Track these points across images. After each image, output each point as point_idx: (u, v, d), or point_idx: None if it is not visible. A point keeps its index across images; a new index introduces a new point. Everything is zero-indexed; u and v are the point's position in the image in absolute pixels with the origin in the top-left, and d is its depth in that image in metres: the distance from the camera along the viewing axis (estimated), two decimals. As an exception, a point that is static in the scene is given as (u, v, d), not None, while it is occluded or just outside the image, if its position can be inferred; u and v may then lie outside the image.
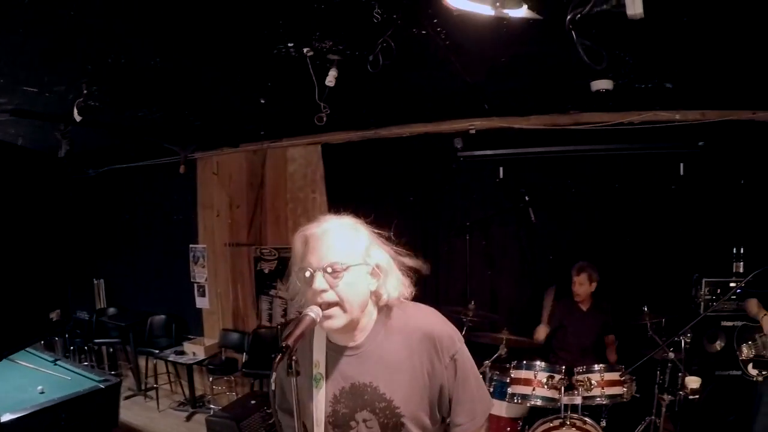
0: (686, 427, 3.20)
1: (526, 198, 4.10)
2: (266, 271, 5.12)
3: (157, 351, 5.36)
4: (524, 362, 3.35)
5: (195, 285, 5.53)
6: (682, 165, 4.12)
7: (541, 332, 3.86)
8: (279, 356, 1.10)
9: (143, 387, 5.64)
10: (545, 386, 3.22)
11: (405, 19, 2.28)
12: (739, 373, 3.58)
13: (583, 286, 3.76)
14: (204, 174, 5.39)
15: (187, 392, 5.30)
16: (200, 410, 5.13)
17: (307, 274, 1.23)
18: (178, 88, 3.24)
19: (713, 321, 3.79)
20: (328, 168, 4.79)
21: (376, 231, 1.34)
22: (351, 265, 1.23)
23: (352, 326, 1.29)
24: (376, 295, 1.31)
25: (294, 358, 1.12)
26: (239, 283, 5.26)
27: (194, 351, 5.20)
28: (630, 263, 4.12)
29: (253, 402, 4.06)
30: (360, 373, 1.31)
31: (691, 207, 4.13)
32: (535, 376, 3.25)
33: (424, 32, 2.46)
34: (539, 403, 3.23)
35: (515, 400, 3.30)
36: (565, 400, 3.16)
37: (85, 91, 3.05)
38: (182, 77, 3.03)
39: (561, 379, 3.23)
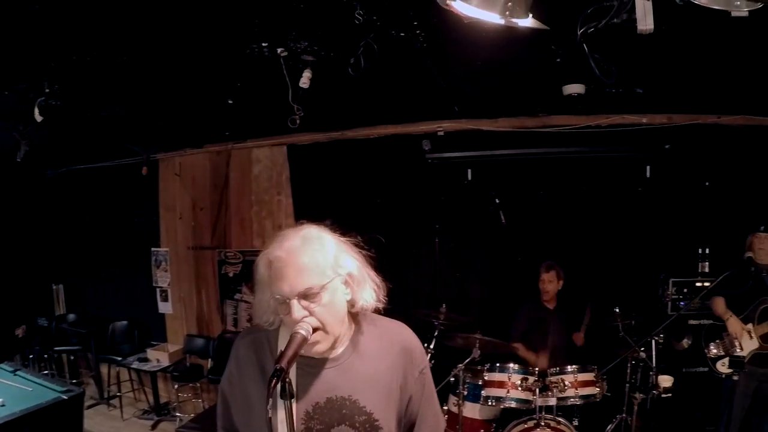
0: (656, 423, 3.23)
1: (497, 200, 4.09)
2: (231, 274, 5.01)
3: (119, 358, 5.21)
4: (498, 365, 3.36)
5: (157, 289, 5.38)
6: (648, 167, 4.18)
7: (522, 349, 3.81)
8: (274, 381, 1.04)
9: (106, 395, 5.47)
10: (519, 388, 3.25)
11: (385, 21, 2.24)
12: (706, 369, 3.64)
13: (551, 283, 3.78)
14: (166, 175, 5.23)
15: (151, 400, 5.16)
16: (166, 418, 5.02)
17: (282, 303, 1.19)
18: (144, 87, 3.13)
19: (680, 320, 3.86)
20: (294, 170, 4.71)
21: (343, 237, 1.29)
22: (325, 284, 1.19)
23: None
24: (350, 304, 1.27)
25: (288, 379, 1.08)
26: (203, 288, 5.14)
27: (158, 358, 5.05)
28: (598, 265, 4.15)
29: None
30: (337, 386, 1.26)
31: (658, 209, 4.19)
32: (509, 379, 3.27)
33: (402, 34, 2.42)
34: (514, 405, 3.24)
35: (489, 403, 3.31)
36: (539, 401, 3.17)
37: (47, 90, 2.92)
38: (150, 76, 2.92)
39: (535, 380, 3.25)
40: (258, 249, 4.85)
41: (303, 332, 1.13)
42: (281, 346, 1.26)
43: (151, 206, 5.31)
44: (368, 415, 1.27)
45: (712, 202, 4.17)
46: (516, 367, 3.31)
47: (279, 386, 1.06)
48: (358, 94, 3.53)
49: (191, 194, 5.08)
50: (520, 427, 3.17)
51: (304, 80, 2.65)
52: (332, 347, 1.26)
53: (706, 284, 3.71)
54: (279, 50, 2.50)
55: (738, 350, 3.18)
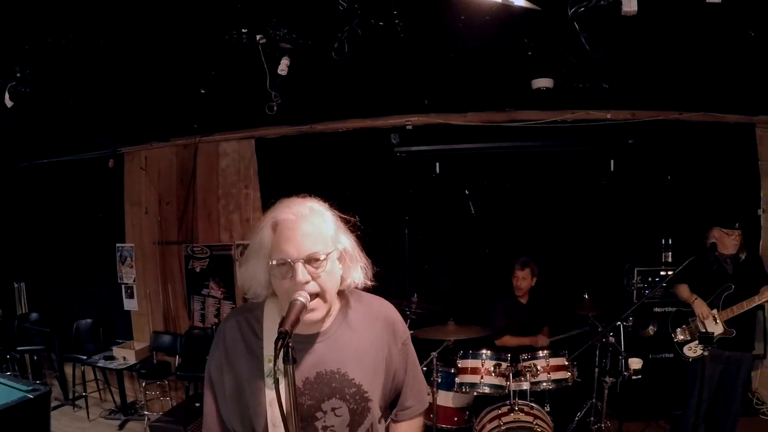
0: (623, 408, 3.30)
1: (466, 192, 4.12)
2: (198, 269, 4.93)
3: (84, 357, 5.06)
4: (470, 352, 3.37)
5: (123, 286, 5.26)
6: (612, 161, 4.28)
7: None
8: (280, 342, 1.04)
9: (71, 396, 5.31)
10: (493, 374, 3.27)
11: (366, 9, 2.23)
12: (672, 355, 3.78)
13: (525, 280, 3.82)
14: (132, 169, 5.12)
15: (117, 399, 5.04)
16: (133, 418, 4.90)
17: (287, 266, 1.17)
18: (117, 74, 3.04)
19: (646, 307, 3.97)
20: (262, 163, 4.67)
21: (340, 216, 1.30)
22: (329, 252, 1.20)
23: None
24: (341, 280, 1.28)
25: (291, 345, 1.07)
26: (170, 283, 5.04)
27: (124, 355, 4.93)
28: (564, 255, 4.24)
29: (197, 405, 3.90)
30: (326, 360, 1.26)
31: (622, 201, 4.31)
32: (483, 365, 3.29)
33: (381, 23, 2.42)
34: (487, 390, 3.26)
35: (463, 389, 3.32)
36: (513, 386, 3.20)
37: (18, 74, 2.83)
38: (124, 62, 2.84)
39: (508, 366, 3.27)
40: (226, 243, 4.86)
41: (302, 299, 1.13)
42: (267, 326, 1.27)
43: (116, 201, 5.18)
44: (357, 387, 1.28)
45: (674, 195, 4.30)
46: (489, 353, 3.32)
47: (282, 351, 1.05)
48: (329, 87, 3.52)
49: (157, 188, 4.98)
50: (494, 413, 3.18)
51: (283, 67, 2.64)
52: (322, 320, 1.26)
53: (670, 273, 3.81)
54: (258, 37, 2.49)
55: (709, 322, 3.27)
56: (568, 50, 2.90)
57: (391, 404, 1.49)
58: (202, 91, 3.43)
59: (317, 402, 1.25)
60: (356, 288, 1.32)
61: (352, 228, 1.30)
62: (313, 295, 1.16)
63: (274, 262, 1.18)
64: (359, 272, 1.30)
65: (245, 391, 1.25)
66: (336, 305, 1.30)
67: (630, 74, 3.40)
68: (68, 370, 5.31)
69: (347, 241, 1.27)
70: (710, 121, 4.33)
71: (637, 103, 4.20)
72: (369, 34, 2.42)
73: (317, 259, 1.18)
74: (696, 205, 4.19)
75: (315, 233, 1.20)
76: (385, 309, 1.41)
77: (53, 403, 4.98)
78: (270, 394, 1.21)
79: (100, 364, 4.94)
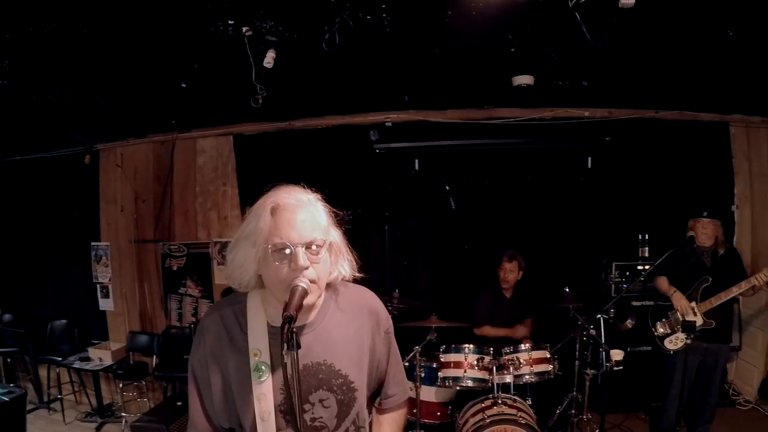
0: (603, 401, 3.32)
1: (447, 187, 4.13)
2: (175, 268, 4.87)
3: (59, 358, 4.94)
4: (453, 346, 3.37)
5: (98, 285, 5.16)
6: (590, 159, 4.33)
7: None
8: (286, 327, 1.04)
9: (46, 399, 5.19)
10: (476, 368, 3.28)
11: (355, 2, 2.23)
12: (650, 348, 3.86)
13: (512, 273, 3.82)
14: (107, 166, 5.02)
15: (93, 402, 4.94)
16: (110, 420, 4.81)
17: (287, 250, 1.15)
18: (98, 66, 2.98)
19: (624, 301, 4.02)
20: (240, 160, 4.63)
21: (330, 209, 1.29)
22: (326, 240, 1.20)
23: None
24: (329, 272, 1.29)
25: (294, 330, 1.06)
26: (146, 282, 4.96)
27: (100, 356, 4.84)
28: (543, 251, 4.27)
29: (179, 403, 3.86)
30: (313, 352, 1.25)
31: (599, 197, 4.37)
32: (466, 359, 3.29)
33: (369, 17, 2.41)
34: (471, 384, 3.26)
35: (447, 384, 3.32)
36: (496, 379, 3.21)
37: None
38: (106, 54, 2.78)
39: (491, 359, 3.29)
40: (204, 241, 4.79)
41: (303, 285, 1.12)
42: (251, 320, 1.26)
43: (91, 199, 5.08)
44: (344, 378, 1.28)
45: (650, 192, 4.37)
46: (472, 347, 3.33)
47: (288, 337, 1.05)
48: (311, 83, 3.50)
49: (133, 186, 4.89)
50: (477, 406, 3.18)
51: (269, 60, 2.62)
52: (308, 312, 1.25)
53: (647, 267, 3.86)
54: (244, 29, 2.46)
55: (688, 314, 3.32)
56: (550, 47, 2.94)
57: (374, 394, 1.49)
58: (183, 86, 3.38)
59: (305, 394, 1.24)
60: (342, 280, 1.32)
61: (339, 222, 1.29)
62: (311, 282, 1.15)
63: (273, 247, 1.15)
64: (346, 265, 1.29)
65: (231, 386, 1.23)
66: (322, 296, 1.30)
67: (609, 72, 3.45)
68: (43, 372, 5.18)
69: (335, 234, 1.26)
70: (685, 119, 4.41)
71: (614, 102, 4.26)
72: (356, 28, 2.41)
73: (316, 246, 1.17)
74: (671, 201, 4.26)
75: (313, 221, 1.19)
76: (368, 299, 1.41)
77: (28, 407, 4.86)
78: (258, 389, 1.20)
79: (75, 366, 4.83)
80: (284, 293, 1.13)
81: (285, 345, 1.04)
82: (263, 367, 1.21)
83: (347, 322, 1.32)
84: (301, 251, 1.14)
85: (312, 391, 1.25)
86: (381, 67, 3.19)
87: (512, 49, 2.94)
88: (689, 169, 4.36)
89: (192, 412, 1.31)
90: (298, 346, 1.07)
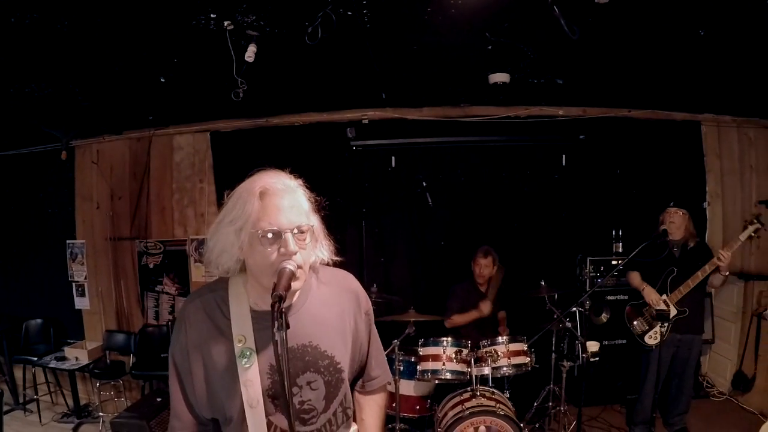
0: (583, 390, 3.34)
1: (423, 183, 4.15)
2: (151, 265, 4.83)
3: (35, 358, 4.86)
4: (431, 339, 3.40)
5: (73, 284, 5.09)
6: (564, 156, 4.39)
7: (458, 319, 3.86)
8: (277, 306, 1.03)
9: (21, 400, 5.11)
10: (454, 360, 3.30)
11: None
12: (624, 342, 3.97)
13: (487, 268, 3.86)
14: (83, 163, 4.96)
15: (70, 403, 4.87)
16: (87, 420, 4.74)
17: (277, 236, 1.14)
18: (77, 59, 2.94)
19: (598, 296, 4.08)
20: (217, 157, 4.61)
21: (309, 195, 1.29)
22: (311, 226, 1.20)
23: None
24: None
25: (284, 310, 1.06)
26: (122, 280, 4.90)
27: (77, 356, 4.77)
28: (519, 247, 4.32)
29: (159, 399, 3.84)
30: (297, 334, 1.23)
31: (573, 194, 4.43)
32: (444, 352, 3.32)
33: (349, 13, 2.43)
34: (449, 377, 3.29)
35: (426, 376, 3.34)
36: (474, 371, 3.24)
37: None
38: (86, 46, 2.74)
39: (469, 352, 3.31)
40: (180, 238, 4.76)
41: (291, 267, 1.11)
42: (233, 305, 1.24)
43: (66, 196, 5.01)
44: (330, 359, 1.28)
45: (624, 189, 4.44)
46: (450, 339, 3.36)
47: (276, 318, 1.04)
48: (289, 79, 3.50)
49: (109, 183, 4.84)
50: (456, 399, 3.20)
51: (250, 54, 2.62)
52: (291, 295, 1.22)
53: (621, 262, 3.91)
54: (226, 23, 2.46)
55: (660, 306, 3.38)
56: (526, 45, 2.98)
57: (355, 378, 1.49)
58: (162, 80, 3.36)
59: (292, 377, 1.22)
60: (321, 264, 1.32)
61: (317, 208, 1.29)
62: (298, 267, 1.14)
63: (262, 232, 1.13)
64: (324, 249, 1.29)
65: (215, 375, 1.21)
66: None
67: (583, 71, 3.51)
68: (18, 373, 5.09)
69: (316, 220, 1.26)
70: (658, 118, 4.49)
71: (588, 100, 4.33)
72: (338, 23, 2.42)
73: (302, 232, 1.17)
74: (643, 198, 4.33)
75: (299, 206, 1.19)
76: (348, 281, 1.42)
77: (3, 408, 4.79)
78: (244, 375, 1.19)
79: (52, 365, 4.75)
80: (270, 278, 1.12)
81: (275, 324, 1.03)
82: (248, 353, 1.20)
83: (329, 304, 1.33)
84: (290, 236, 1.14)
85: (299, 374, 1.23)
86: (360, 64, 3.20)
87: (489, 47, 2.98)
88: (662, 166, 4.45)
89: (174, 403, 1.28)
90: (287, 326, 1.05)
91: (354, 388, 1.51)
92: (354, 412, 1.45)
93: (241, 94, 2.98)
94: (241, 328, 1.21)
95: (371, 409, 1.53)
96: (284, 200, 1.16)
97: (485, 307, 3.76)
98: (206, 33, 2.58)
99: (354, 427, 1.43)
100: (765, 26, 2.56)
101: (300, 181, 1.26)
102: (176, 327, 1.28)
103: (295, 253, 1.13)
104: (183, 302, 1.35)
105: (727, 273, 3.30)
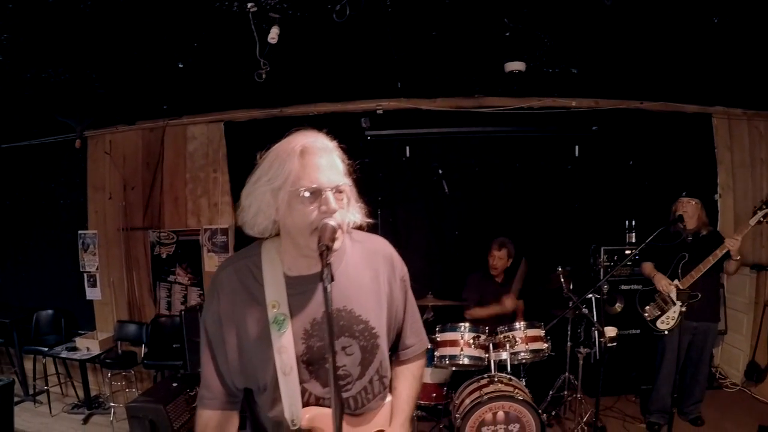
0: (601, 376, 3.28)
1: (440, 171, 4.15)
2: (164, 256, 4.83)
3: (45, 349, 4.85)
4: (449, 325, 3.37)
5: (85, 274, 5.08)
6: (577, 147, 4.40)
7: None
8: (326, 253, 1.03)
9: (31, 392, 5.10)
10: (472, 346, 3.28)
11: None
12: (639, 331, 3.96)
13: (502, 260, 3.85)
14: (95, 154, 4.96)
15: (80, 394, 4.86)
16: (98, 411, 4.73)
17: (317, 194, 1.12)
18: (97, 42, 2.93)
19: (612, 285, 4.08)
20: (231, 147, 4.61)
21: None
22: (349, 185, 1.19)
23: None
24: None
25: (329, 262, 1.04)
26: (134, 270, 4.90)
27: (88, 346, 4.76)
28: (532, 237, 4.30)
29: (174, 384, 3.79)
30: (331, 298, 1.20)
31: (586, 185, 4.43)
32: (462, 337, 3.29)
33: None
34: (467, 362, 3.26)
35: (443, 363, 3.31)
36: (492, 357, 3.23)
37: None
38: (107, 28, 2.74)
39: (486, 337, 3.30)
40: (194, 228, 4.76)
41: (333, 223, 1.10)
42: (266, 271, 1.22)
43: (79, 187, 5.01)
44: (365, 323, 1.26)
45: (636, 180, 4.45)
46: (468, 325, 3.33)
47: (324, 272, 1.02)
48: (306, 67, 3.49)
49: (122, 173, 4.84)
50: (474, 385, 3.19)
51: (273, 35, 2.63)
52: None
53: (634, 252, 3.91)
54: (249, 5, 2.47)
55: (671, 292, 3.39)
56: (544, 32, 2.98)
57: (392, 347, 1.44)
58: (180, 66, 3.34)
59: (326, 342, 1.18)
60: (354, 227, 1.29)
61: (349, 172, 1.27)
62: (338, 225, 1.13)
63: (303, 190, 1.11)
64: (356, 213, 1.26)
65: (248, 343, 1.20)
66: None
67: (598, 60, 3.51)
68: (28, 364, 5.08)
69: (349, 181, 1.23)
70: (669, 110, 4.51)
71: (600, 92, 4.34)
72: (358, 7, 2.43)
73: (341, 191, 1.16)
74: (655, 189, 4.34)
75: (336, 166, 1.18)
76: (383, 245, 1.39)
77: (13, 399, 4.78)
78: (278, 342, 1.17)
79: (63, 355, 4.74)
80: (308, 238, 1.12)
81: (324, 272, 1.02)
82: (282, 318, 1.18)
83: (363, 268, 1.30)
84: (330, 195, 1.13)
85: (335, 339, 1.18)
86: (378, 51, 3.21)
87: (507, 33, 2.98)
88: (673, 158, 4.46)
89: (205, 373, 1.26)
90: (332, 279, 1.03)
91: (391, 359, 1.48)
92: (390, 382, 1.42)
93: (263, 75, 2.97)
94: (275, 293, 1.20)
95: (405, 378, 1.48)
96: (323, 159, 1.15)
97: (509, 303, 3.75)
98: (229, 15, 2.58)
99: (390, 397, 1.40)
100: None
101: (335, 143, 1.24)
102: (209, 294, 1.27)
103: (336, 212, 1.12)
104: (216, 269, 1.32)
105: (739, 257, 3.30)
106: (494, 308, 3.76)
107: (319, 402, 1.22)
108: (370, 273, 1.31)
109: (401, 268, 1.40)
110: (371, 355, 1.27)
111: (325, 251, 1.04)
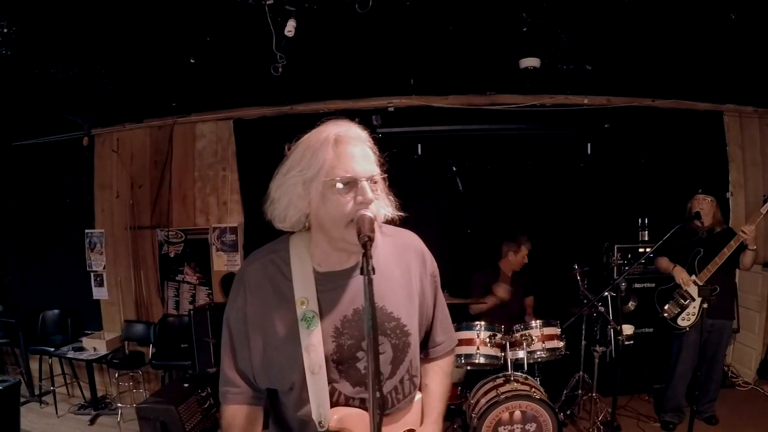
0: (618, 373, 3.27)
1: (454, 168, 4.12)
2: (172, 254, 4.78)
3: (52, 349, 4.81)
4: (464, 323, 3.35)
5: (92, 274, 5.04)
6: (589, 145, 4.39)
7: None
8: (369, 245, 0.99)
9: (37, 392, 5.06)
10: (488, 344, 3.25)
11: None
12: (652, 330, 3.95)
13: (525, 257, 3.83)
14: (103, 152, 4.92)
15: (86, 394, 4.82)
16: (104, 412, 4.69)
17: (344, 184, 1.08)
18: (108, 35, 2.88)
19: (626, 283, 4.00)
20: (241, 144, 4.57)
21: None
22: (383, 177, 1.16)
23: None
24: None
25: (370, 254, 0.99)
26: (142, 270, 4.86)
27: (95, 346, 4.72)
28: (545, 235, 4.28)
29: (186, 385, 3.74)
30: (361, 295, 1.11)
31: (599, 183, 4.42)
32: (478, 336, 3.27)
33: None
34: (483, 361, 3.24)
35: (460, 362, 3.28)
36: (509, 355, 3.20)
37: (5, 30, 2.65)
38: (119, 22, 2.69)
39: (503, 336, 3.27)
40: (202, 227, 4.72)
41: (370, 213, 1.06)
42: (295, 266, 1.18)
43: (85, 185, 4.97)
44: (397, 321, 1.22)
45: (648, 177, 4.43)
46: (484, 324, 3.31)
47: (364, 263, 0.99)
48: (318, 62, 3.46)
49: (129, 171, 4.80)
50: (489, 384, 3.17)
51: (289, 28, 2.60)
52: (354, 254, 1.17)
53: (648, 250, 3.89)
54: None
55: (690, 286, 3.37)
56: (561, 27, 2.95)
57: (421, 344, 1.39)
58: (192, 61, 3.30)
59: (357, 341, 1.16)
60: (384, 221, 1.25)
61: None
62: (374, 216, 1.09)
63: (341, 180, 1.08)
64: (387, 206, 1.22)
65: (275, 341, 1.16)
66: None
67: (613, 57, 3.47)
68: (34, 365, 5.04)
69: (381, 172, 1.20)
70: (681, 108, 4.49)
71: (612, 90, 4.32)
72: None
73: (375, 182, 1.13)
74: (667, 187, 4.33)
75: (370, 155, 1.15)
76: (414, 239, 1.35)
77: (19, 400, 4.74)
78: (307, 340, 1.12)
79: (69, 355, 4.69)
80: (343, 230, 1.08)
81: (365, 261, 0.97)
82: (311, 316, 1.13)
83: (394, 263, 1.26)
84: (366, 184, 1.09)
85: (365, 338, 1.15)
86: (393, 46, 3.17)
87: (524, 29, 2.95)
88: (685, 156, 4.44)
89: (226, 369, 1.22)
90: (373, 271, 0.99)
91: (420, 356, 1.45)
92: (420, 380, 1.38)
93: (280, 69, 2.93)
94: (304, 290, 1.16)
95: (436, 375, 1.43)
96: (357, 148, 1.12)
97: (501, 291, 3.69)
98: (244, 8, 2.53)
99: (419, 395, 1.36)
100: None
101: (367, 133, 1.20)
102: (233, 290, 1.22)
103: (372, 202, 1.09)
104: (242, 263, 1.28)
105: (755, 247, 3.27)
106: (489, 299, 3.72)
107: (348, 402, 1.18)
108: (401, 268, 1.27)
109: (432, 264, 1.36)
110: (402, 353, 1.23)
111: (368, 242, 0.99)
